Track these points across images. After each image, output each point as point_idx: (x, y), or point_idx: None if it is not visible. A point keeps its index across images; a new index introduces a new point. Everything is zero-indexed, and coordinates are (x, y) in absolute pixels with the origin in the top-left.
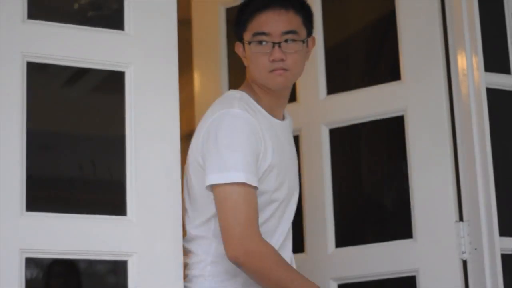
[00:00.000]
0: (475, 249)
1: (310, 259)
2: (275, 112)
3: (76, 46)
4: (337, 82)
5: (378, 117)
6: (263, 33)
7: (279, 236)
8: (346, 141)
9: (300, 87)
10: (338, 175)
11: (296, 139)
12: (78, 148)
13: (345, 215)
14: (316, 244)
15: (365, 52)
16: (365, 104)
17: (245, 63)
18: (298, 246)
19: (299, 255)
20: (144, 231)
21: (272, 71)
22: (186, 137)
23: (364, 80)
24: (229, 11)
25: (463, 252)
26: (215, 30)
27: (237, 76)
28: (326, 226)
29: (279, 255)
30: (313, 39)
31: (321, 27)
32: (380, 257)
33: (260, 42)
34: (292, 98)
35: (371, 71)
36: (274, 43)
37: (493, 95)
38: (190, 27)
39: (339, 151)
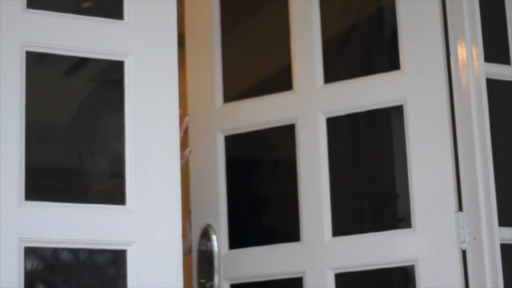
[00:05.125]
0: (475, 239)
1: (306, 248)
2: None
3: (76, 35)
4: (335, 71)
5: (377, 107)
6: None
7: None
8: (343, 130)
9: (296, 75)
10: (335, 164)
11: (292, 127)
12: (77, 138)
13: (342, 204)
14: (312, 233)
15: (364, 41)
16: (364, 94)
17: None
18: (294, 235)
19: (295, 244)
20: (144, 220)
21: None
22: None
23: (362, 69)
24: (223, 2)
25: (462, 242)
26: (209, 23)
27: (231, 71)
28: (322, 215)
29: None
30: None
31: (319, 15)
32: (378, 247)
33: None
34: (288, 86)
35: (370, 60)
36: None
37: (493, 85)
38: (183, 20)
39: (336, 140)
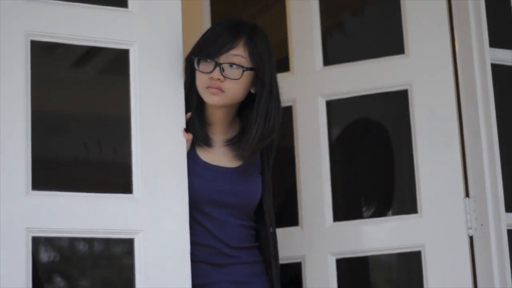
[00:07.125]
0: (481, 225)
1: (306, 233)
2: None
3: (80, 24)
4: (336, 54)
5: (381, 90)
6: None
7: None
8: (345, 113)
9: (294, 57)
10: (336, 147)
11: (290, 109)
12: (83, 127)
13: (344, 189)
14: (312, 217)
15: (367, 24)
16: (367, 77)
17: None
18: (293, 219)
19: (294, 228)
20: (150, 209)
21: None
22: None
23: (366, 52)
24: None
25: (469, 228)
26: (200, 20)
27: None
28: (323, 199)
29: None
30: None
31: None
32: (383, 232)
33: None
34: (286, 68)
35: (374, 43)
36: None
37: (498, 70)
38: None
39: (337, 124)
